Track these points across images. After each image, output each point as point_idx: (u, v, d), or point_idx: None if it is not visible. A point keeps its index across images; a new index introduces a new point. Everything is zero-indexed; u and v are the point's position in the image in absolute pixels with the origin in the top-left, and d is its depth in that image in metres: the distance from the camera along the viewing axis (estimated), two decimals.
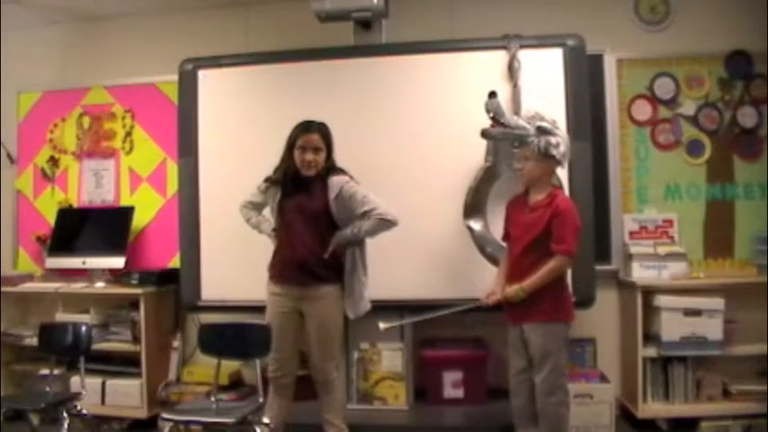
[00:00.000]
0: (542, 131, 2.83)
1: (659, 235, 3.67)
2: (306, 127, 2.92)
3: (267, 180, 3.03)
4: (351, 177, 2.98)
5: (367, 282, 3.01)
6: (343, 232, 2.92)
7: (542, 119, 2.89)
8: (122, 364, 3.84)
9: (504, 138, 3.02)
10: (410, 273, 3.44)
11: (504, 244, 3.11)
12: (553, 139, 2.82)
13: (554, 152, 2.82)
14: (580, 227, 2.85)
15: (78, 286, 3.91)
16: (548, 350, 2.80)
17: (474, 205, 3.31)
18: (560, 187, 3.09)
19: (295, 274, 2.88)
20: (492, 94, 3.10)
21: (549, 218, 2.80)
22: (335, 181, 2.92)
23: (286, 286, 2.91)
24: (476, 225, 3.30)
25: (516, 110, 3.28)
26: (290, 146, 2.92)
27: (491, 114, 3.06)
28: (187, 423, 2.97)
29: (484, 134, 3.11)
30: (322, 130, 2.93)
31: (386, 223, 2.91)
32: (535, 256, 2.81)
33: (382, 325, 3.20)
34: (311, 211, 2.89)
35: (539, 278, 2.78)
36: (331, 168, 2.96)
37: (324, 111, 3.57)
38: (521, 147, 2.90)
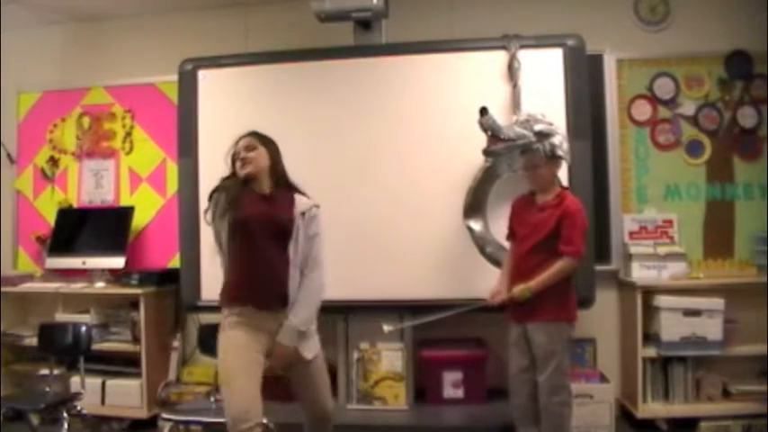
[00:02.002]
0: (543, 135, 2.85)
1: (659, 235, 3.67)
2: (244, 133, 2.65)
3: (216, 192, 2.56)
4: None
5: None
6: (295, 325, 2.48)
7: (536, 120, 2.90)
8: (122, 364, 3.84)
9: (508, 152, 2.99)
10: (410, 273, 3.44)
11: (506, 244, 3.11)
12: (556, 140, 2.86)
13: (560, 152, 2.86)
14: (588, 228, 2.87)
15: (78, 286, 3.91)
16: (552, 349, 2.80)
17: (474, 205, 3.31)
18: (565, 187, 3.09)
19: (270, 300, 2.47)
20: (483, 111, 3.04)
21: (559, 218, 2.81)
22: (305, 200, 2.62)
23: (261, 312, 2.46)
24: (476, 225, 3.30)
25: (517, 111, 3.28)
26: (232, 160, 2.61)
27: (489, 133, 3.03)
28: (187, 423, 2.97)
29: (488, 153, 3.08)
30: (257, 134, 2.64)
31: (321, 293, 2.59)
32: (542, 256, 2.82)
33: (386, 327, 3.23)
34: (278, 225, 2.51)
35: (546, 278, 2.78)
36: (290, 184, 2.65)
37: (324, 111, 3.60)
38: (525, 154, 2.90)
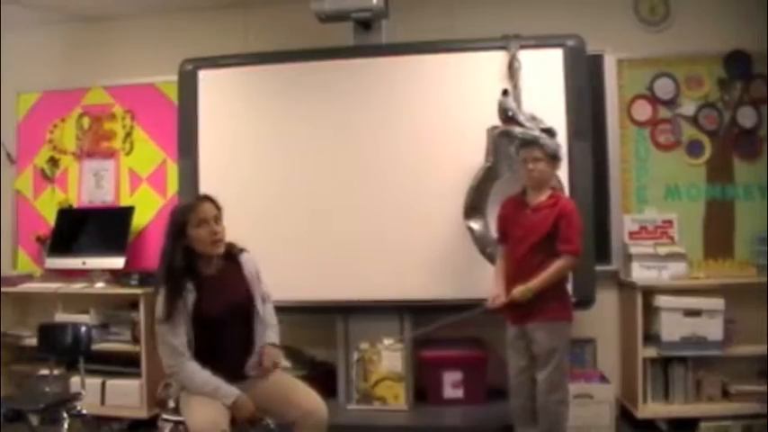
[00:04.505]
0: (551, 133, 2.87)
1: (659, 235, 3.67)
2: (195, 200, 2.51)
3: (170, 293, 2.40)
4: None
5: None
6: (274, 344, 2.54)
7: (541, 121, 2.93)
8: (122, 364, 3.83)
9: (524, 137, 2.99)
10: (410, 273, 3.45)
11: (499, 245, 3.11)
12: (559, 141, 2.89)
13: (560, 154, 2.89)
14: (582, 228, 2.88)
15: (78, 286, 3.91)
16: (553, 347, 2.82)
17: (474, 205, 3.31)
18: (561, 188, 3.11)
19: (230, 373, 2.45)
20: (505, 92, 3.08)
21: (555, 219, 2.82)
22: (247, 257, 2.58)
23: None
24: (476, 225, 3.30)
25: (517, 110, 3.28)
26: (179, 232, 2.41)
27: (510, 113, 3.03)
28: None
29: (507, 134, 3.08)
30: (213, 200, 2.51)
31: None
32: (541, 257, 2.83)
33: (387, 341, 3.36)
34: (238, 303, 2.50)
35: (546, 278, 2.79)
36: (232, 245, 2.56)
37: (323, 111, 3.60)
38: (528, 147, 2.89)
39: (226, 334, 2.49)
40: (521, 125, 2.97)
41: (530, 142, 2.90)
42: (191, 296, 2.42)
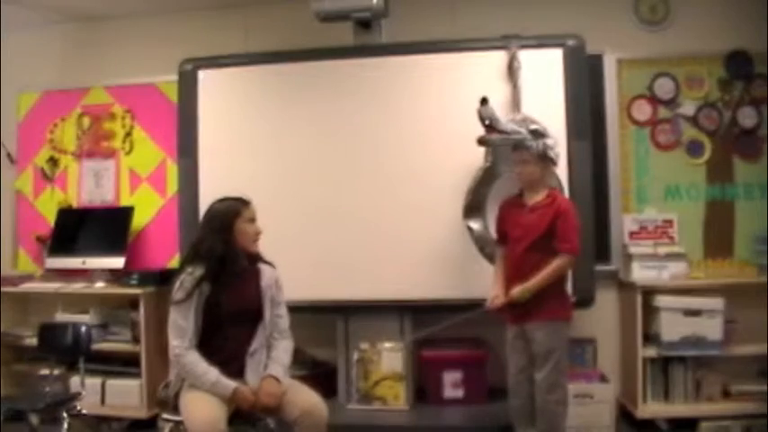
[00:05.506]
0: (538, 134, 2.87)
1: (659, 235, 3.67)
2: (244, 200, 2.62)
3: (194, 278, 2.49)
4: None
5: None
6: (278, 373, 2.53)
7: (533, 122, 2.93)
8: (122, 364, 3.84)
9: (502, 144, 3.01)
10: (410, 273, 3.45)
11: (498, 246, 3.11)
12: (549, 141, 2.89)
13: (551, 154, 2.89)
14: (579, 227, 2.89)
15: (78, 286, 3.91)
16: (552, 347, 2.82)
17: (474, 205, 3.31)
18: (560, 188, 3.11)
19: (228, 370, 2.47)
20: (484, 101, 3.07)
21: (552, 217, 2.83)
22: (269, 270, 2.67)
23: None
24: (476, 225, 3.30)
25: (516, 110, 3.28)
26: (228, 225, 2.54)
27: (487, 122, 3.05)
28: None
29: (482, 142, 3.09)
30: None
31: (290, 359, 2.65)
32: (538, 256, 2.83)
33: (387, 344, 3.34)
34: (247, 306, 2.56)
35: (544, 277, 2.80)
36: (260, 254, 2.69)
37: (323, 111, 3.61)
38: (517, 150, 2.92)
39: (230, 332, 2.53)
40: (500, 132, 2.98)
41: (516, 145, 2.91)
42: (206, 286, 2.50)
